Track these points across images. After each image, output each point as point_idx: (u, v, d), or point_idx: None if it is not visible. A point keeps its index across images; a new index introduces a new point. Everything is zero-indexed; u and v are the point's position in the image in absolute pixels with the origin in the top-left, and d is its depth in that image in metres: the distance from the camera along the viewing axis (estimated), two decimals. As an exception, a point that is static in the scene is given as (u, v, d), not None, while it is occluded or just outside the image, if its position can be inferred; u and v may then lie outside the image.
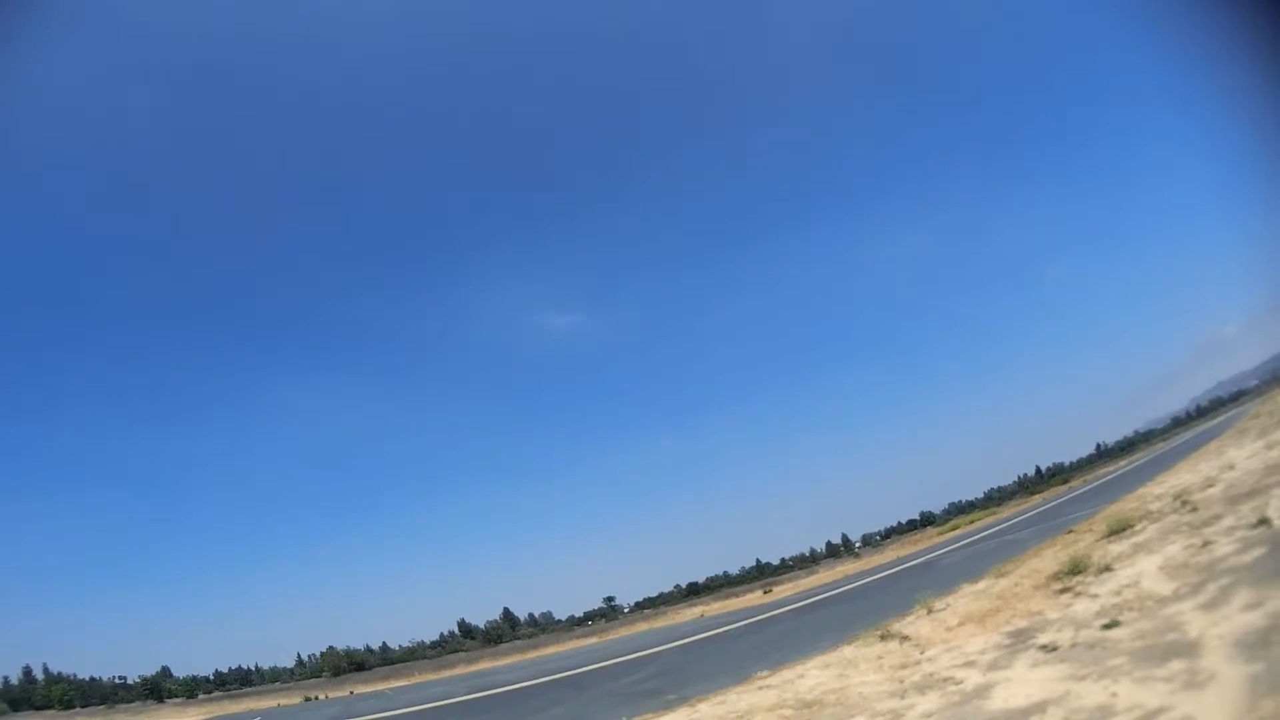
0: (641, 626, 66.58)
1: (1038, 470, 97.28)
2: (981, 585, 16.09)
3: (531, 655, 62.20)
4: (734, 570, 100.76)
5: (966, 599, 14.80)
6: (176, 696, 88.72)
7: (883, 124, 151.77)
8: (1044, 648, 8.54)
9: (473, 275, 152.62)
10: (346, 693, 62.10)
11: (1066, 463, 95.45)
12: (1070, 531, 19.98)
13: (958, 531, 61.44)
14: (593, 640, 64.80)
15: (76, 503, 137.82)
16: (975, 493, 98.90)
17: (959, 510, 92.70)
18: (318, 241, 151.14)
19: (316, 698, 62.12)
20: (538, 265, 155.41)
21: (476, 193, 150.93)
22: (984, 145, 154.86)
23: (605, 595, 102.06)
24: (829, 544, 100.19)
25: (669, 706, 13.05)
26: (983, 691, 7.84)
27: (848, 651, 13.08)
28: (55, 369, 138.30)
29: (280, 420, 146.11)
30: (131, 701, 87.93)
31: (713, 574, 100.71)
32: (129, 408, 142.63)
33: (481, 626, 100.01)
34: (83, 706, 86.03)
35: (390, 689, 55.31)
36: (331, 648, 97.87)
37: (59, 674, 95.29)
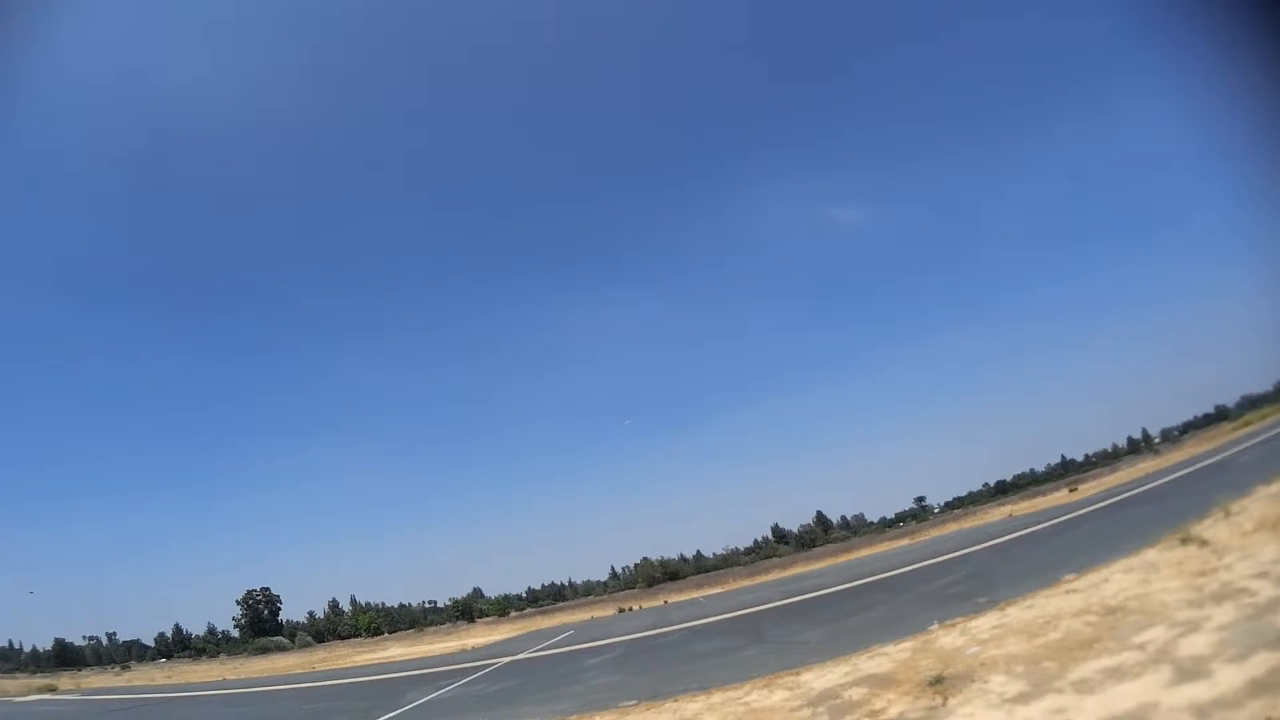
0: (951, 527, 65.35)
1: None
2: (1275, 488, 15.33)
3: (844, 558, 62.36)
4: (1039, 467, 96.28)
5: (1261, 502, 14.23)
6: (488, 616, 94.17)
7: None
8: (1333, 560, 8.66)
9: (749, 178, 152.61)
10: (660, 602, 64.26)
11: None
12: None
13: (1250, 428, 55.14)
14: (904, 542, 64.30)
15: (382, 439, 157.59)
16: (1265, 385, 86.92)
17: (1250, 404, 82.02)
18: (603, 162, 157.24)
19: (630, 609, 63.99)
20: (814, 160, 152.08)
21: (751, 91, 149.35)
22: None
23: (916, 495, 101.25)
24: (1130, 439, 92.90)
25: (979, 610, 13.72)
26: (1275, 606, 8.08)
27: (1150, 555, 13.18)
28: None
29: (583, 337, 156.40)
30: (441, 624, 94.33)
31: (1019, 471, 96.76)
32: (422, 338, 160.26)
33: (795, 531, 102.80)
34: (390, 632, 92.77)
35: (704, 597, 56.71)
36: (646, 558, 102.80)
37: (366, 604, 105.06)
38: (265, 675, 48.25)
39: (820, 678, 11.46)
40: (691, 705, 11.82)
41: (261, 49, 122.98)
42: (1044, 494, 71.96)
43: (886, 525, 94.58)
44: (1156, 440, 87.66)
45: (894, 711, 8.40)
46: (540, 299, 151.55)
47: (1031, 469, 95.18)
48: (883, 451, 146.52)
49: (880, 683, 10.01)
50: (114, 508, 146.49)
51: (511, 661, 29.23)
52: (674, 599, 65.55)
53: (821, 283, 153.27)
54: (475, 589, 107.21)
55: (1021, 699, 7.51)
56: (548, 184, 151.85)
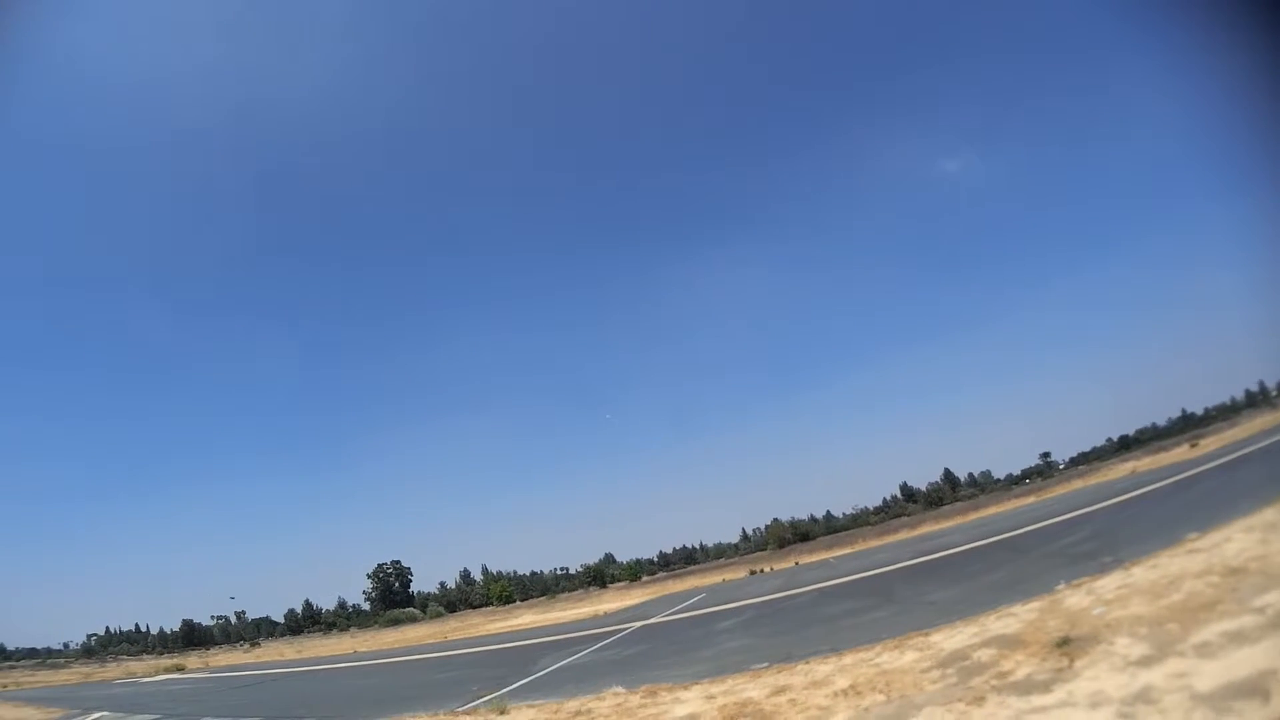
0: (1076, 484, 63.42)
1: None
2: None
3: (972, 517, 61.69)
4: (1161, 421, 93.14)
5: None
6: (619, 581, 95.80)
7: None
8: None
9: (858, 132, 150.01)
10: (791, 563, 64.74)
11: None
12: None
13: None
14: (1030, 499, 62.82)
15: (510, 409, 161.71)
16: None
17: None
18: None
19: (761, 570, 65.07)
20: (914, 109, 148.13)
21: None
22: None
23: (1041, 451, 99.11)
24: (1248, 392, 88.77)
25: (1104, 570, 13.84)
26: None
27: (1269, 514, 13.18)
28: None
29: (705, 301, 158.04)
30: (573, 590, 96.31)
31: (1141, 425, 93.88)
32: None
33: (923, 489, 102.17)
34: (522, 600, 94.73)
35: (834, 558, 56.78)
36: (776, 520, 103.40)
37: (498, 572, 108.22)
38: (397, 646, 49.57)
39: (950, 638, 11.82)
40: (823, 667, 12.06)
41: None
42: (1165, 449, 69.94)
43: (1013, 483, 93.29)
44: (1274, 394, 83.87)
45: (1022, 673, 8.78)
46: (658, 266, 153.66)
47: (1153, 423, 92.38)
48: (1009, 407, 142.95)
49: (1008, 643, 10.34)
50: (240, 490, 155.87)
51: (644, 626, 29.42)
52: (805, 560, 65.65)
53: (937, 238, 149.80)
54: (607, 554, 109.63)
55: (1145, 662, 7.85)
56: (670, 151, 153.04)
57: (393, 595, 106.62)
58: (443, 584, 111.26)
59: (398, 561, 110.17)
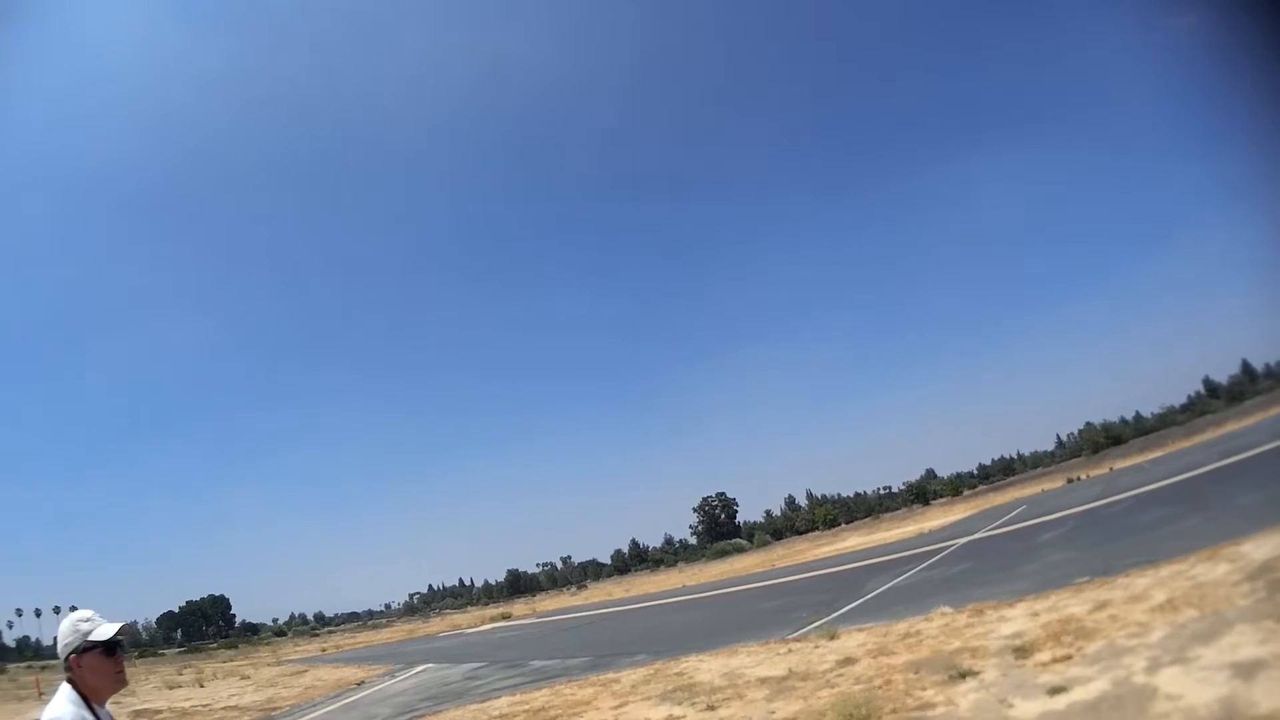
0: None
1: None
2: None
3: (1274, 411, 54.80)
4: None
5: None
6: (941, 496, 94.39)
7: None
8: None
9: None
10: (1106, 469, 61.40)
11: None
12: None
13: None
14: None
15: (823, 337, 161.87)
16: None
17: None
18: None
19: (1077, 478, 62.06)
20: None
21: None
22: None
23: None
24: None
25: None
26: None
27: None
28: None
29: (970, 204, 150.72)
30: (896, 509, 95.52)
31: None
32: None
33: (1224, 383, 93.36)
34: (847, 522, 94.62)
35: (1146, 462, 52.82)
36: (1089, 424, 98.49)
37: (822, 496, 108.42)
38: (724, 578, 49.83)
39: (1259, 548, 11.35)
40: (1141, 580, 11.79)
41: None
42: None
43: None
44: None
45: (1327, 587, 8.41)
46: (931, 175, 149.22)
47: None
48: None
49: (1315, 553, 9.63)
50: (563, 440, 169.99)
51: (967, 542, 28.85)
52: (1118, 465, 62.01)
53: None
54: (928, 470, 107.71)
55: None
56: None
57: (719, 527, 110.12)
58: (768, 512, 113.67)
59: (723, 494, 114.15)
